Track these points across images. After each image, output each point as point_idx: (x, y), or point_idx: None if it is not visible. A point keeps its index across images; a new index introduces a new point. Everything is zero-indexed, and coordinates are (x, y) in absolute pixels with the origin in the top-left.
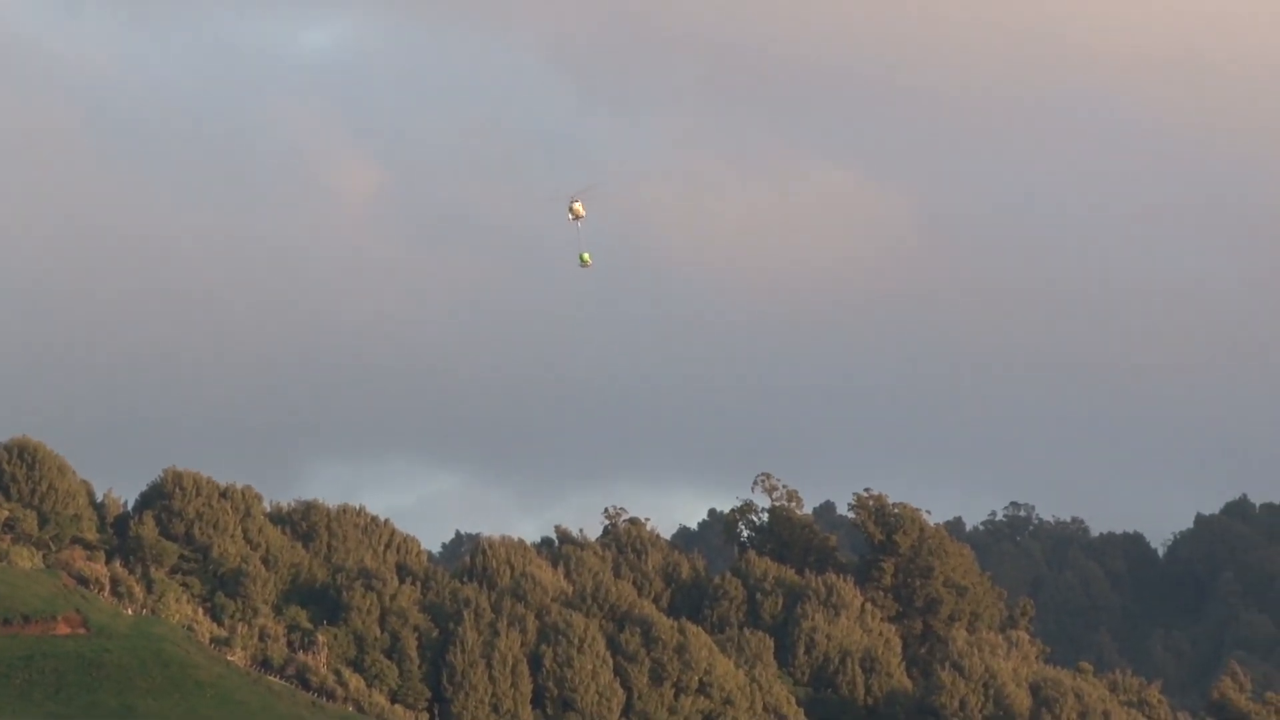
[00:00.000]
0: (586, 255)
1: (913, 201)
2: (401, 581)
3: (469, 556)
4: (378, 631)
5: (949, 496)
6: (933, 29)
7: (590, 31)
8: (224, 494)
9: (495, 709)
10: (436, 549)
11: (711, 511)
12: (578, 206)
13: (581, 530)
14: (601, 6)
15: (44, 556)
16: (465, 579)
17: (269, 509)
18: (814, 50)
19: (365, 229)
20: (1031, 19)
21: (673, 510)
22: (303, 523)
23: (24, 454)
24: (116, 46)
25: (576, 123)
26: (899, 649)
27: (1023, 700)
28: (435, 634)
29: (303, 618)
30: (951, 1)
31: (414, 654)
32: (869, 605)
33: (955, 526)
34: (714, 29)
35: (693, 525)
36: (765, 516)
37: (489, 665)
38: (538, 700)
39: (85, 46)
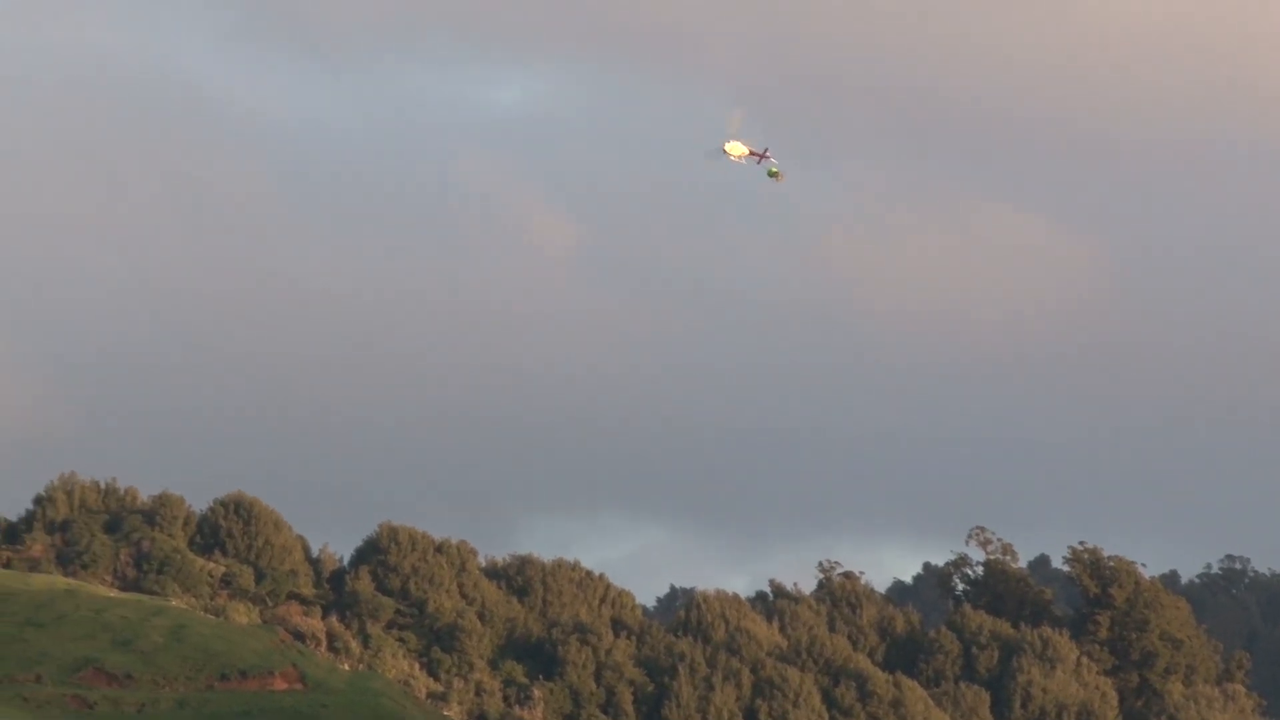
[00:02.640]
0: (774, 167)
1: (1103, 246)
2: (616, 636)
3: (683, 610)
4: (593, 686)
5: (1164, 549)
6: (1118, 74)
7: (777, 82)
8: (439, 549)
9: None
10: (651, 603)
11: (926, 565)
12: (732, 148)
13: (796, 584)
14: (788, 57)
15: (261, 612)
16: (680, 633)
17: (484, 564)
18: (998, 96)
19: (566, 282)
20: (1223, 63)
21: (887, 564)
22: (518, 577)
23: (240, 510)
24: (305, 103)
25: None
26: (1115, 703)
27: None
28: (650, 688)
29: (519, 672)
30: (1138, 47)
31: (629, 709)
32: (1085, 659)
33: (1170, 579)
34: (898, 76)
35: (907, 579)
36: (980, 570)
37: None
38: None
39: (274, 103)
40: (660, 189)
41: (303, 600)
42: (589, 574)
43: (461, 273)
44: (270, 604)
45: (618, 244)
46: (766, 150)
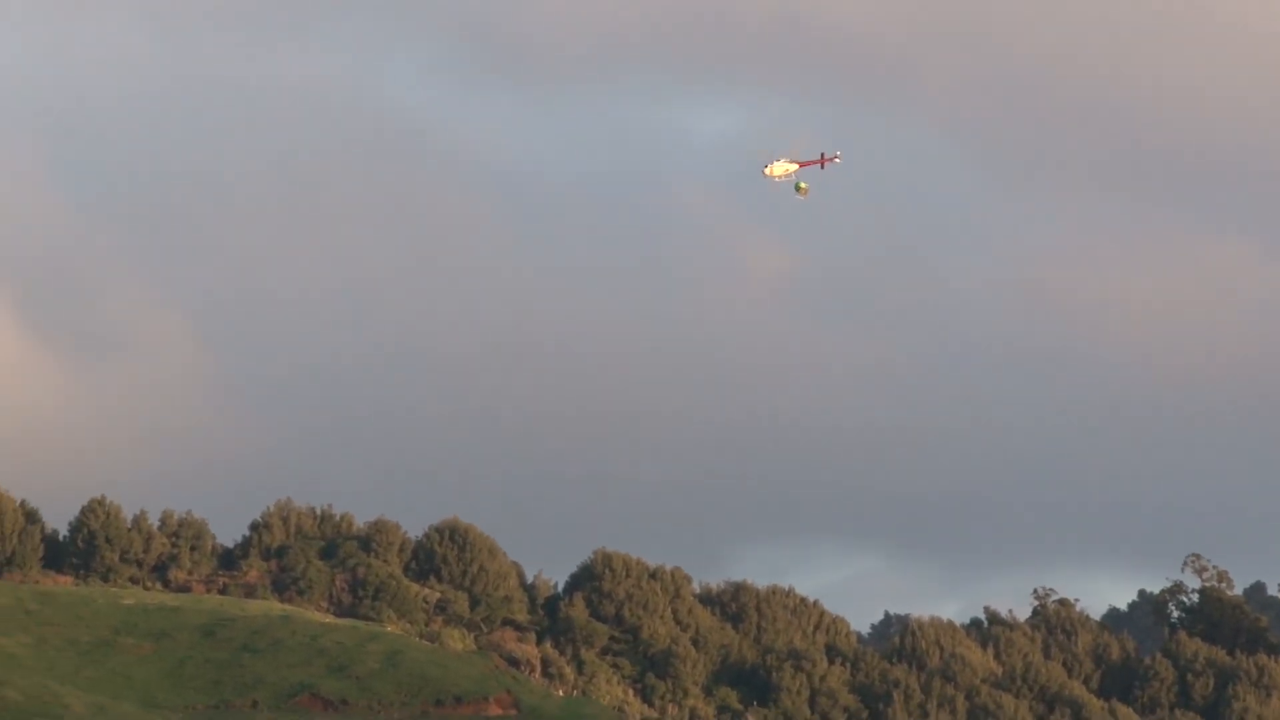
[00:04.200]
0: (803, 184)
1: None
2: (831, 662)
3: (898, 637)
4: (808, 712)
5: None
6: None
7: (991, 113)
8: (653, 575)
9: None
10: (865, 629)
11: (1141, 592)
12: (774, 169)
13: (1010, 611)
14: (1003, 89)
15: (475, 638)
16: (894, 659)
17: (698, 590)
18: (1211, 127)
19: (780, 309)
20: None
21: (1102, 591)
22: (732, 603)
23: (455, 536)
24: (518, 135)
25: (976, 204)
26: None
27: None
28: (865, 715)
29: (733, 698)
30: None
31: None
32: None
33: None
34: (1111, 110)
35: (1122, 606)
36: (1195, 597)
37: None
38: None
39: (487, 134)
40: (871, 217)
41: (517, 626)
42: (803, 600)
43: (676, 301)
44: (485, 630)
45: (830, 271)
46: (824, 154)
